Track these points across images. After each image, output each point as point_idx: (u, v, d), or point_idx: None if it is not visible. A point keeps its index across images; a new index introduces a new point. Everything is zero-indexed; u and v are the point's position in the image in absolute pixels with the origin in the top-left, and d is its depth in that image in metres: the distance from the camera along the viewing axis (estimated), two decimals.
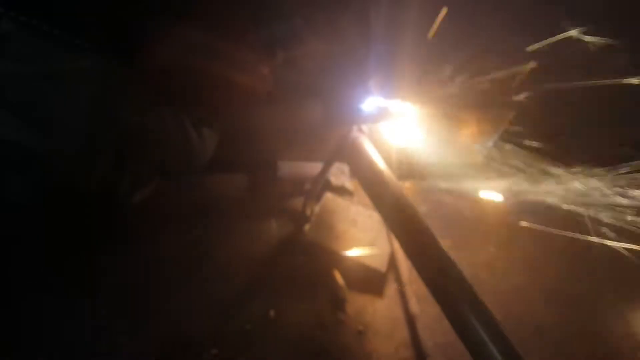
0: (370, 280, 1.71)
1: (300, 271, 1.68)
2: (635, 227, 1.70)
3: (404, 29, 1.63)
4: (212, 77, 1.18)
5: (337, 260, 1.72)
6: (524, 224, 1.90)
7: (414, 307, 1.66)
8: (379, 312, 1.64)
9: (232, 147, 1.80)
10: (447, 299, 1.27)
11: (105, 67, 1.02)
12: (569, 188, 1.78)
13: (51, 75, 0.96)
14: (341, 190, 2.00)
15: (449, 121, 1.79)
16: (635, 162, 1.72)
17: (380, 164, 1.52)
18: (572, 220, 1.81)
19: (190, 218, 1.74)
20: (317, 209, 1.86)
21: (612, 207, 1.74)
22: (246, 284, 1.61)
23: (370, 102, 1.60)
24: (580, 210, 1.76)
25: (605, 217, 1.74)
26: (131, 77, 1.07)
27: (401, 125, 1.72)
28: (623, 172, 1.74)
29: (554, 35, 1.70)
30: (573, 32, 1.68)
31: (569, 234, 1.81)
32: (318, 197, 1.89)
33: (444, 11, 1.69)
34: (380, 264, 1.73)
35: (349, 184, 2.03)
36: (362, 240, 1.78)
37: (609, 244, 1.74)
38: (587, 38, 1.68)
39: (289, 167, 1.94)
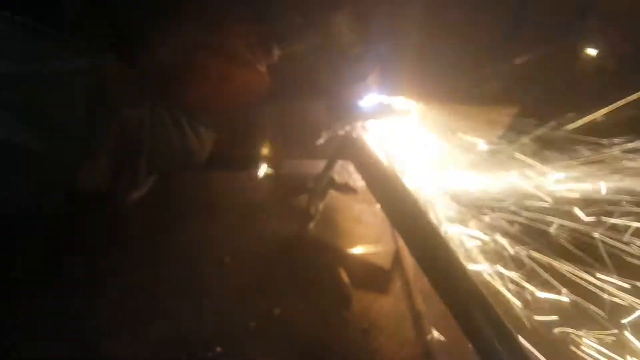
0: (375, 278, 1.70)
1: (304, 269, 1.68)
2: None
3: (405, 25, 1.62)
4: (210, 75, 1.18)
5: (341, 257, 1.72)
6: None
7: (419, 304, 1.65)
8: (384, 310, 1.63)
9: (235, 144, 1.80)
10: (452, 296, 1.27)
11: (102, 66, 1.02)
12: None
13: (47, 75, 0.96)
14: (345, 188, 1.99)
15: (453, 117, 1.78)
16: None
17: (384, 161, 1.52)
18: None
19: (193, 216, 1.74)
20: (321, 206, 1.86)
21: None
22: (250, 282, 1.60)
23: (371, 99, 1.59)
24: None
25: None
26: (128, 76, 1.07)
27: (404, 122, 1.71)
28: None
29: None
30: None
31: None
32: (322, 195, 1.88)
33: None
34: (385, 262, 1.72)
35: (352, 181, 2.02)
36: (366, 237, 1.78)
37: None
38: None
39: (292, 165, 1.93)
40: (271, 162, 1.90)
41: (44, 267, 1.48)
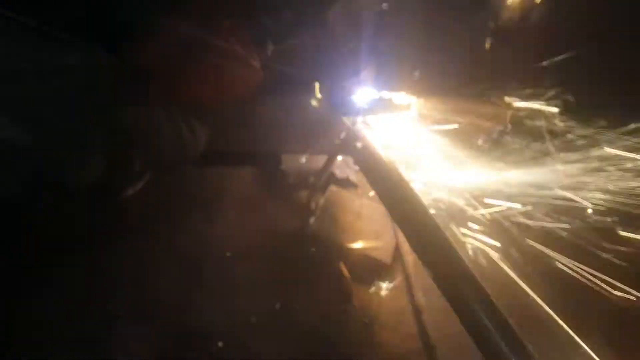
0: (375, 272, 1.70)
1: (305, 264, 1.69)
2: None
3: (401, 20, 1.62)
4: (203, 70, 1.17)
5: (342, 252, 1.72)
6: None
7: (420, 298, 1.65)
8: (384, 304, 1.64)
9: (235, 139, 1.80)
10: (453, 290, 1.27)
11: (93, 63, 1.01)
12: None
13: (39, 71, 0.96)
14: (346, 183, 1.99)
15: (452, 114, 1.78)
16: None
17: (385, 156, 1.52)
18: None
19: (194, 212, 1.74)
20: (321, 201, 1.86)
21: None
22: (251, 277, 1.61)
23: (369, 94, 1.59)
24: None
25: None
26: (121, 72, 1.06)
27: (404, 118, 1.71)
28: None
29: None
30: None
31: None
32: (322, 190, 1.89)
33: None
34: (386, 256, 1.72)
35: (353, 176, 2.02)
36: (367, 232, 1.78)
37: None
38: None
39: (292, 160, 1.93)
40: (274, 157, 1.89)
41: (44, 265, 1.48)
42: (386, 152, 1.53)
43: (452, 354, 1.52)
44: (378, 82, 1.58)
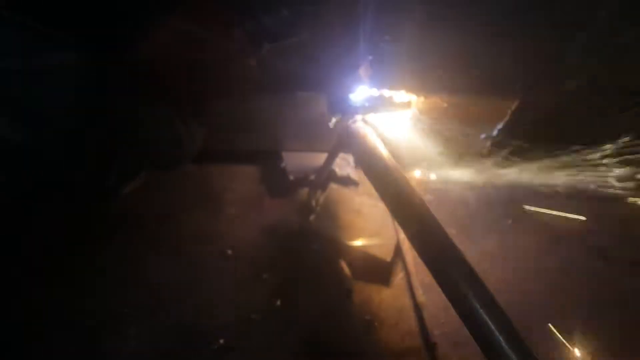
0: (376, 270, 1.71)
1: (306, 261, 1.69)
2: None
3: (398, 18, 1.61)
4: (199, 69, 1.17)
5: (342, 250, 1.73)
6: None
7: (420, 296, 1.66)
8: (385, 302, 1.64)
9: (235, 138, 1.80)
10: (453, 287, 1.27)
11: (90, 61, 1.01)
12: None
13: (36, 70, 0.96)
14: (346, 181, 2.00)
15: (451, 110, 1.78)
16: None
17: (385, 154, 1.52)
18: None
19: (195, 209, 1.75)
20: (322, 199, 1.86)
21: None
22: (252, 274, 1.62)
23: (366, 92, 1.59)
24: None
25: None
26: (117, 71, 1.07)
27: (403, 115, 1.71)
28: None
29: None
30: None
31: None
32: (323, 188, 1.89)
33: None
34: (386, 254, 1.73)
35: (353, 174, 2.02)
36: (367, 230, 1.78)
37: None
38: None
39: (293, 158, 1.94)
40: (275, 155, 1.89)
41: (47, 264, 1.48)
42: (386, 150, 1.54)
43: (452, 351, 1.52)
44: (375, 80, 1.58)
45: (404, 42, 1.61)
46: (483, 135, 1.90)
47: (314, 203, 1.82)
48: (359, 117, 1.63)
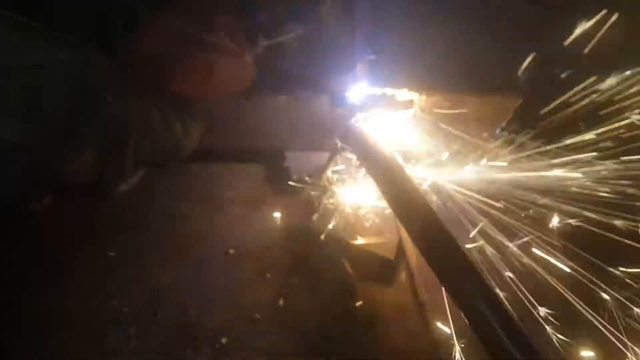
0: (379, 269, 1.70)
1: (308, 261, 1.68)
2: None
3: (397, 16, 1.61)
4: (195, 66, 1.17)
5: (345, 249, 1.72)
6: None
7: (423, 295, 1.65)
8: (388, 301, 1.64)
9: (238, 137, 1.80)
10: (456, 285, 1.26)
11: (85, 60, 1.01)
12: None
13: (31, 68, 0.96)
14: (349, 180, 1.99)
15: (454, 109, 1.78)
16: None
17: (387, 153, 1.52)
18: None
19: (198, 208, 1.75)
20: (324, 199, 1.86)
21: None
22: (254, 274, 1.61)
23: (371, 91, 1.59)
24: None
25: None
26: (113, 69, 1.07)
27: (406, 114, 1.71)
28: None
29: None
30: None
31: None
32: (326, 187, 1.89)
33: None
34: (389, 253, 1.72)
35: (356, 173, 2.02)
36: (370, 229, 1.78)
37: None
38: None
39: (296, 157, 1.94)
40: (277, 154, 1.89)
41: (47, 262, 1.49)
42: (389, 148, 1.53)
43: (455, 350, 1.52)
44: (373, 78, 1.58)
45: (401, 40, 1.61)
46: (485, 134, 1.89)
47: (316, 202, 1.82)
48: (360, 115, 1.63)
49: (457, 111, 1.79)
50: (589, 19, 1.59)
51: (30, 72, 0.97)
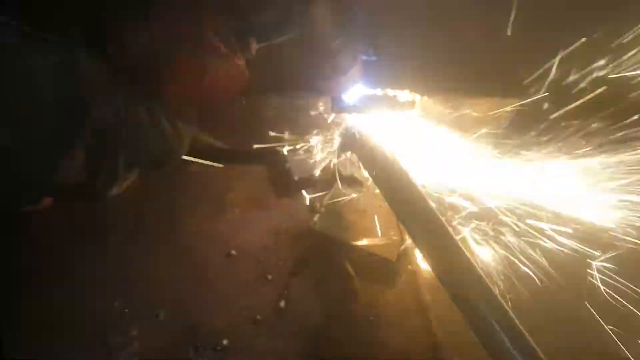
0: (380, 270, 1.70)
1: (310, 262, 1.68)
2: None
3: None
4: (186, 69, 1.16)
5: (347, 250, 1.72)
6: None
7: (425, 296, 1.65)
8: (389, 302, 1.63)
9: (239, 138, 1.80)
10: (458, 289, 1.26)
11: (75, 62, 1.01)
12: None
13: (19, 71, 0.95)
14: (350, 181, 1.99)
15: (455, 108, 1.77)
16: None
17: (389, 154, 1.51)
18: None
19: (199, 210, 1.75)
20: (326, 199, 1.86)
21: None
22: (256, 275, 1.61)
23: (371, 92, 1.58)
24: None
25: None
26: (103, 71, 1.06)
27: (407, 115, 1.70)
28: None
29: None
30: None
31: None
32: (327, 188, 1.88)
33: None
34: (391, 254, 1.72)
35: (358, 174, 2.02)
36: (372, 230, 1.78)
37: None
38: None
39: (297, 158, 1.93)
40: (278, 155, 1.89)
41: (48, 263, 1.49)
42: (390, 150, 1.53)
43: (457, 352, 1.51)
44: (373, 79, 1.57)
45: (400, 41, 1.60)
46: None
47: (318, 204, 1.82)
48: (362, 117, 1.63)
49: (460, 113, 1.78)
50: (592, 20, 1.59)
51: (18, 76, 0.96)
